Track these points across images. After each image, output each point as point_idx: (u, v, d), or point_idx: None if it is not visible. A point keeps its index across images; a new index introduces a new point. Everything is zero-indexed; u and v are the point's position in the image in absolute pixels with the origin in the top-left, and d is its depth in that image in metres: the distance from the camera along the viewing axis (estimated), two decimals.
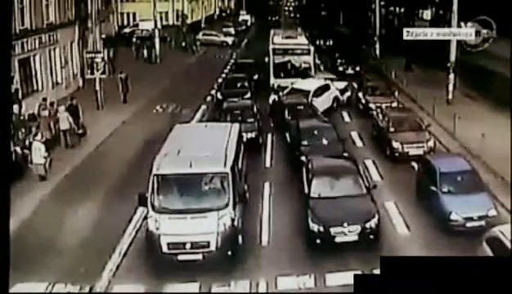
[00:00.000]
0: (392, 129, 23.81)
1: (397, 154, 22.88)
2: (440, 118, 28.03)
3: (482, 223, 16.48)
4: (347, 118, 30.52)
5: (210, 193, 15.69)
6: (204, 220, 15.06)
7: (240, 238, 15.82)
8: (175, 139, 18.39)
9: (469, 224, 16.61)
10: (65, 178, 21.54)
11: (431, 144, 23.06)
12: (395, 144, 22.93)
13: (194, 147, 17.09)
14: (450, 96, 31.94)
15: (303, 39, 38.79)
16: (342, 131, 25.56)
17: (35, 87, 31.50)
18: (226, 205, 15.32)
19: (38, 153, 21.03)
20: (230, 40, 63.31)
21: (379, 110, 26.53)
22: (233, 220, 15.30)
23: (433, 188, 17.68)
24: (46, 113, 25.49)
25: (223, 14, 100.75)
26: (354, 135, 26.92)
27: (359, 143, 26.02)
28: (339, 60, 43.80)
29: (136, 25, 62.85)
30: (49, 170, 21.44)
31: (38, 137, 21.61)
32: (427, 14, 57.99)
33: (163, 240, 14.90)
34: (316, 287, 14.29)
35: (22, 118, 25.61)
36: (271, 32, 42.01)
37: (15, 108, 24.84)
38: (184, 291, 14.27)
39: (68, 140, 24.89)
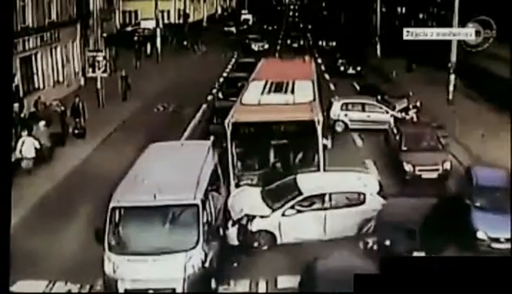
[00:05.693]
0: (404, 148, 21.57)
1: (408, 177, 20.59)
2: (441, 118, 28.03)
3: (508, 246, 15.13)
4: None
5: (177, 230, 13.48)
6: (168, 262, 12.93)
7: (213, 281, 13.69)
8: (144, 162, 16.19)
9: (494, 246, 15.35)
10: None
11: (447, 166, 20.71)
12: (406, 167, 20.59)
13: (162, 172, 14.90)
14: (450, 97, 31.95)
15: (306, 91, 20.29)
16: None
17: (36, 86, 31.51)
18: (196, 243, 13.20)
19: (32, 146, 21.26)
20: (257, 46, 56.50)
21: None
22: (204, 261, 13.23)
23: (467, 201, 16.48)
24: (57, 108, 25.88)
25: (225, 13, 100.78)
26: None
27: None
28: (340, 60, 43.79)
29: (138, 24, 62.80)
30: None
31: (25, 133, 21.68)
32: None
33: (120, 286, 12.86)
34: None
35: (23, 116, 25.69)
36: (259, 64, 27.52)
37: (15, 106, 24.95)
38: None
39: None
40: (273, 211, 16.08)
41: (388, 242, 14.50)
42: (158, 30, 50.47)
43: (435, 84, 33.44)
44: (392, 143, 22.96)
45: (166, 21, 67.17)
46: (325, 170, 17.87)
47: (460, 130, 25.40)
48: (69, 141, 25.40)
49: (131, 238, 13.44)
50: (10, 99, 18.88)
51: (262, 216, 15.94)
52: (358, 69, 42.69)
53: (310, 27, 74.60)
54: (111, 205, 13.60)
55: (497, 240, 15.40)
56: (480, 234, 15.52)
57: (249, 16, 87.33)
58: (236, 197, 17.22)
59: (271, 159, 18.53)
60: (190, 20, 73.56)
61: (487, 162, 20.73)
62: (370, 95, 29.12)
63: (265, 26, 77.61)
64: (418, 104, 28.08)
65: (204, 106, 32.26)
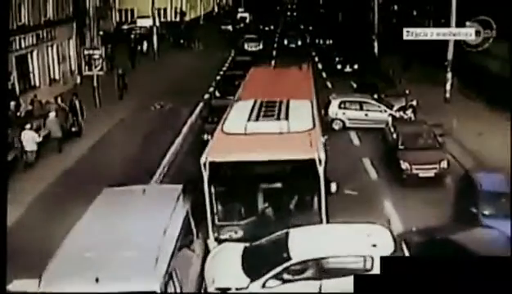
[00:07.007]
0: (401, 146, 21.56)
1: (404, 176, 20.45)
2: (438, 116, 28.00)
3: None
4: None
5: None
6: None
7: None
8: (90, 221, 12.31)
9: None
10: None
11: (444, 164, 20.51)
12: (403, 165, 20.44)
13: (112, 238, 11.38)
14: (448, 95, 31.93)
15: (303, 114, 16.82)
16: None
17: (32, 84, 31.44)
18: None
19: (31, 140, 21.46)
20: (251, 48, 55.65)
21: None
22: None
23: (473, 209, 16.04)
24: (63, 104, 26.15)
25: (221, 11, 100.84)
26: None
27: None
28: (336, 58, 43.75)
29: (135, 22, 62.77)
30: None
31: (28, 126, 21.86)
32: None
33: None
34: None
35: (19, 114, 25.64)
36: (247, 75, 24.95)
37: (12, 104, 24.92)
38: None
39: None
40: (252, 280, 12.47)
41: None
42: (154, 28, 50.41)
43: (432, 82, 33.39)
44: (390, 141, 22.90)
45: (163, 19, 67.18)
46: (328, 221, 14.11)
47: (457, 128, 25.38)
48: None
49: None
50: (6, 97, 18.88)
51: (237, 289, 12.43)
52: (355, 67, 42.66)
53: (307, 26, 74.40)
54: (40, 290, 10.41)
55: None
56: None
57: (246, 15, 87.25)
58: (213, 259, 13.52)
59: (260, 205, 14.59)
60: (187, 18, 73.55)
61: (487, 166, 20.60)
62: (367, 94, 29.14)
63: (261, 26, 77.38)
64: (414, 103, 28.03)
65: (201, 104, 32.19)
